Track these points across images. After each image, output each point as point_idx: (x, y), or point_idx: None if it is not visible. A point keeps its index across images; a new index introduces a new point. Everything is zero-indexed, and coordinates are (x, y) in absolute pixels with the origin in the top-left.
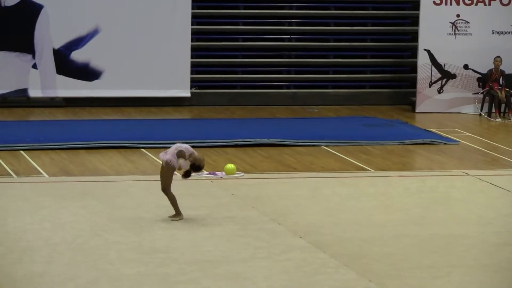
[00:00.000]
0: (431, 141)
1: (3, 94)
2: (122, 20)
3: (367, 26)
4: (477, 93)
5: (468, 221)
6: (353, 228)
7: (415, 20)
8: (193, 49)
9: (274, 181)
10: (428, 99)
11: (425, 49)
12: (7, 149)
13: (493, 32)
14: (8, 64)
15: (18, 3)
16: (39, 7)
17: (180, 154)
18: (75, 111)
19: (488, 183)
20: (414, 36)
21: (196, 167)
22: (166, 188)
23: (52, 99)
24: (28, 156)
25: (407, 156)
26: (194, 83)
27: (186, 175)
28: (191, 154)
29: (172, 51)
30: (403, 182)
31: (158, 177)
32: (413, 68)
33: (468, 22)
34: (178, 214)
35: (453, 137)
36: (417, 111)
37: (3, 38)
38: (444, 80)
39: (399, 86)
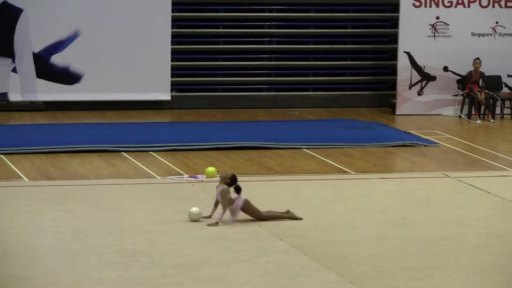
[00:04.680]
0: (412, 143)
1: None
2: (102, 24)
3: (347, 28)
4: (457, 95)
5: (448, 222)
6: (335, 230)
7: (394, 23)
8: (174, 52)
9: (255, 184)
10: (408, 101)
11: (405, 51)
12: None
13: (473, 34)
14: None
15: None
16: (19, 11)
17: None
18: (55, 115)
19: (468, 185)
20: (393, 39)
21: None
22: (262, 217)
23: (32, 103)
24: (8, 160)
25: (388, 158)
26: (175, 87)
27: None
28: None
29: (153, 54)
30: (384, 184)
31: (139, 180)
32: (393, 70)
33: (447, 24)
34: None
35: (433, 139)
36: (397, 113)
37: None
38: (424, 82)
39: (379, 88)
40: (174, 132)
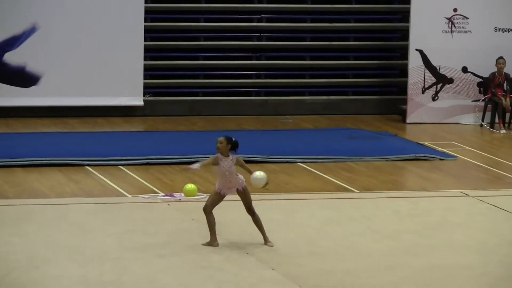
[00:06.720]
0: (425, 156)
1: None
2: (64, 17)
3: (349, 22)
4: (478, 100)
5: (468, 249)
6: (335, 258)
7: (405, 16)
8: (147, 49)
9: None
10: (421, 107)
11: (417, 49)
12: None
13: (496, 30)
14: None
15: None
16: None
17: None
18: (8, 122)
19: (491, 205)
20: (404, 34)
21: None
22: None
23: None
24: None
25: (397, 174)
26: (148, 90)
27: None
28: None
29: (122, 52)
30: (392, 204)
31: (106, 199)
32: (404, 71)
33: (467, 18)
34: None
35: (450, 152)
36: (408, 121)
37: None
38: (439, 85)
39: (387, 92)
40: (147, 142)
